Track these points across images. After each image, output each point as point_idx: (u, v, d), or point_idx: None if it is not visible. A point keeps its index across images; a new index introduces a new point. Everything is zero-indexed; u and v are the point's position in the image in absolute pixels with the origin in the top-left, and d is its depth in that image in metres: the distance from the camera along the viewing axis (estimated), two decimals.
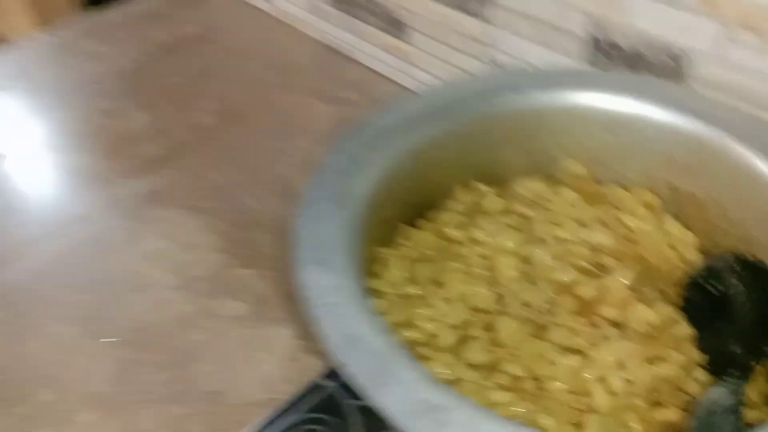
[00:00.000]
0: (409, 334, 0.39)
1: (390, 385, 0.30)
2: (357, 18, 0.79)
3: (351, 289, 0.34)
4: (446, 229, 0.44)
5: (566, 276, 0.41)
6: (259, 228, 0.64)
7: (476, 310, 0.41)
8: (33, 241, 0.65)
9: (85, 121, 0.80)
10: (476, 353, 0.39)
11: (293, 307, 0.56)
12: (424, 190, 0.46)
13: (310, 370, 0.52)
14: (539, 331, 0.39)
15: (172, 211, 0.66)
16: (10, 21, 1.97)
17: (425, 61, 0.74)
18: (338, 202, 0.39)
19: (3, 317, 0.58)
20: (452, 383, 0.37)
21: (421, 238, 0.44)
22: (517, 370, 0.38)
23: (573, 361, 0.37)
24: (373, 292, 0.40)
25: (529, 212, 0.46)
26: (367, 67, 0.82)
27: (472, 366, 0.38)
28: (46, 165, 0.75)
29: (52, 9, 1.76)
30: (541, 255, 0.42)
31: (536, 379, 0.37)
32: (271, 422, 0.47)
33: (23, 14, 1.80)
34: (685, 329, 0.40)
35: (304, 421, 0.47)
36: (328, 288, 0.33)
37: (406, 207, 0.45)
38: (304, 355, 0.53)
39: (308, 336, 0.54)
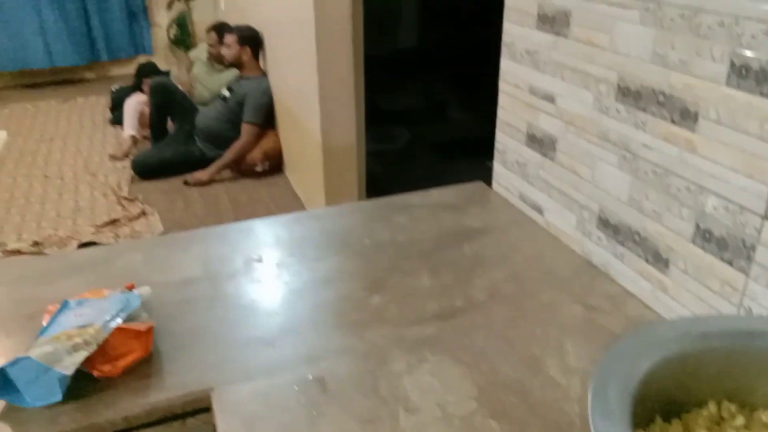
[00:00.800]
0: None
1: None
2: (620, 244, 0.94)
3: None
4: (697, 428, 0.54)
5: None
6: (508, 390, 0.77)
7: None
8: (335, 350, 0.85)
9: (384, 273, 1.02)
10: None
11: None
12: (681, 393, 0.56)
13: None
14: None
15: (441, 357, 0.82)
16: (310, 196, 2.69)
17: (679, 293, 0.85)
18: (620, 380, 0.51)
19: (306, 402, 0.76)
20: None
21: (672, 429, 0.54)
22: None
23: None
24: None
25: None
26: (621, 286, 0.95)
27: None
28: (356, 300, 0.96)
29: (340, 193, 2.46)
30: None
31: None
32: None
33: (320, 193, 2.44)
34: None
35: None
36: None
37: (663, 403, 0.56)
38: None
39: None
